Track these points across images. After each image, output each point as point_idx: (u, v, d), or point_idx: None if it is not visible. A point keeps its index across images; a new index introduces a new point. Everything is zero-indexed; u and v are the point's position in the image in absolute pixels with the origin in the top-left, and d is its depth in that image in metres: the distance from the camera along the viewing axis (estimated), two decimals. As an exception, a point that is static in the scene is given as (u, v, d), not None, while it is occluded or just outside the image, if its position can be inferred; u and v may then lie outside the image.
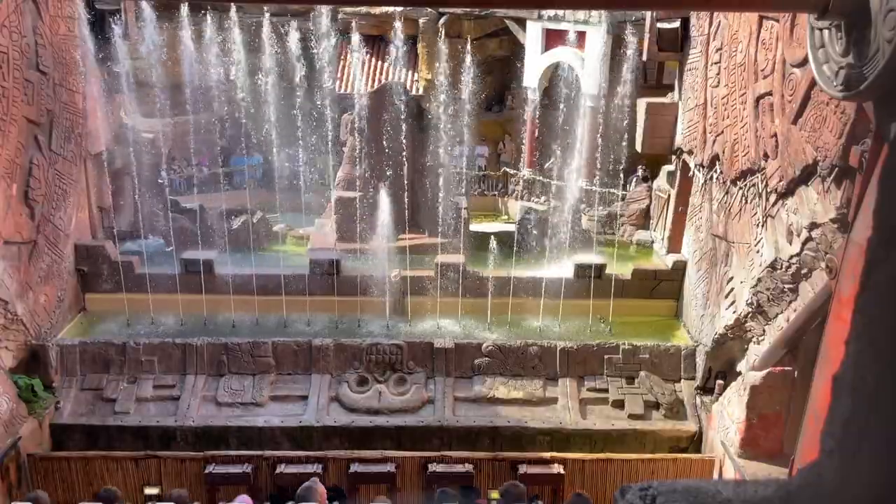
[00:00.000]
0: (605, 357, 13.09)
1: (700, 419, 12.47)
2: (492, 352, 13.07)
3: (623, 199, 18.39)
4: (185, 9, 15.58)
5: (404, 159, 16.29)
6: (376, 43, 22.41)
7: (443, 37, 17.84)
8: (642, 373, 12.96)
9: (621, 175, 17.75)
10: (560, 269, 15.06)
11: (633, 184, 18.70)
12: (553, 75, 20.31)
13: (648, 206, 17.79)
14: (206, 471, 11.54)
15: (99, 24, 15.16)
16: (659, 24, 14.79)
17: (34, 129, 12.26)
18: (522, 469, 11.65)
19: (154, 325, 14.27)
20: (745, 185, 11.24)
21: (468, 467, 11.63)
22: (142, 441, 12.22)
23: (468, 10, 17.41)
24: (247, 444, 12.14)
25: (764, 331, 10.99)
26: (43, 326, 12.79)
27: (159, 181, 17.58)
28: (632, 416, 12.53)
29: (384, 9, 21.00)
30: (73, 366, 12.77)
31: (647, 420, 12.53)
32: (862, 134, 7.53)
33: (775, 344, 10.61)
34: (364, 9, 20.79)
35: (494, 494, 11.40)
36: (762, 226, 10.49)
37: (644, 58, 15.74)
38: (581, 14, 19.06)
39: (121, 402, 12.50)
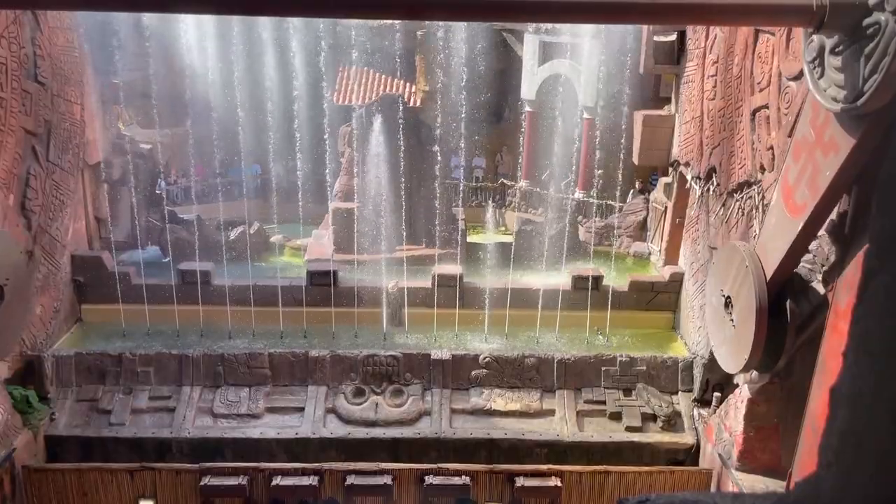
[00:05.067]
0: (603, 369, 13.07)
1: (697, 431, 12.43)
2: (489, 363, 13.05)
3: (620, 210, 18.43)
4: (184, 20, 15.66)
5: (402, 171, 16.31)
6: (375, 55, 22.49)
7: (441, 49, 17.92)
8: (639, 385, 12.94)
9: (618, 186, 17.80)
10: (557, 280, 15.07)
11: (630, 195, 18.75)
12: (550, 88, 20.39)
13: (645, 218, 17.83)
14: (202, 483, 11.49)
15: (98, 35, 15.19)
16: (655, 38, 14.88)
17: (32, 139, 12.26)
18: (519, 482, 11.60)
19: (150, 335, 14.22)
20: (742, 197, 11.26)
21: (465, 480, 11.59)
22: (137, 453, 12.14)
23: (463, 22, 17.49)
24: (243, 456, 12.07)
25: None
26: (38, 337, 12.74)
27: (157, 192, 17.60)
28: (629, 429, 12.50)
29: (383, 21, 21.11)
30: (69, 376, 12.71)
31: (645, 432, 12.50)
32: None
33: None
34: (362, 21, 20.88)
35: None
36: (759, 238, 10.50)
37: (641, 71, 15.83)
38: (578, 27, 19.17)
39: (116, 413, 12.43)
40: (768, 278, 8.64)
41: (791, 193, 7.92)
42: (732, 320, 9.41)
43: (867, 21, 5.29)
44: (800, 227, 7.82)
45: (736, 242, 9.92)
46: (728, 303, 9.53)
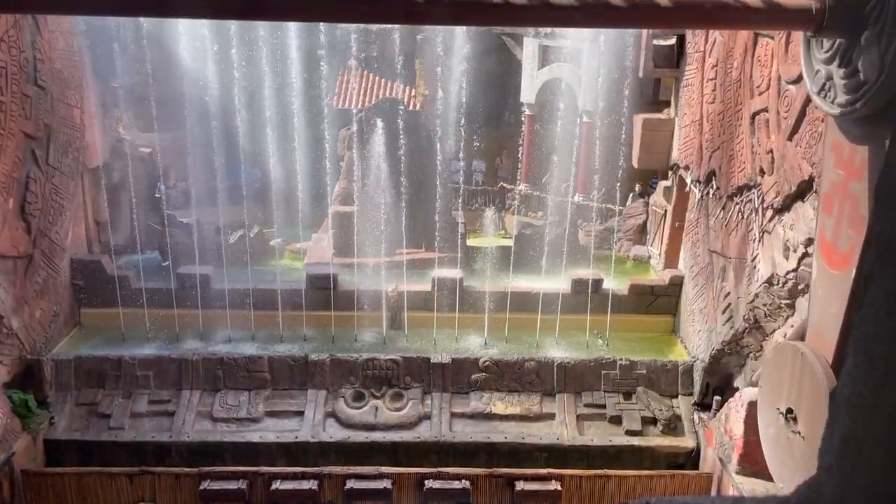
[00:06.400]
0: (603, 372, 13.05)
1: (698, 435, 12.42)
2: (489, 367, 13.03)
3: (620, 214, 18.43)
4: (183, 24, 15.66)
5: (401, 174, 16.32)
6: (375, 58, 22.50)
7: (440, 53, 17.94)
8: (639, 388, 12.92)
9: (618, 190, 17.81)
10: (557, 283, 15.06)
11: (630, 199, 18.75)
12: (550, 91, 20.40)
13: (645, 222, 17.82)
14: (201, 487, 11.47)
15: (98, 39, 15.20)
16: (655, 41, 14.91)
17: (31, 143, 12.27)
18: (519, 486, 11.58)
19: (150, 339, 14.21)
20: (742, 200, 11.27)
21: (465, 484, 11.57)
22: (136, 457, 12.13)
23: (460, 26, 17.52)
24: (242, 460, 12.05)
25: (761, 346, 10.98)
26: (38, 341, 12.73)
27: (156, 195, 17.58)
28: (629, 432, 12.48)
29: (382, 25, 21.12)
30: (68, 380, 12.69)
31: (645, 436, 12.48)
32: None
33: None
34: (362, 25, 20.90)
35: None
36: (759, 241, 10.51)
37: (640, 74, 15.84)
38: (578, 31, 19.17)
39: (115, 417, 12.42)
40: (831, 362, 7.09)
41: (832, 248, 6.92)
42: (799, 433, 7.64)
43: (868, 8, 5.25)
44: (853, 276, 6.67)
45: (782, 342, 8.77)
46: (789, 417, 7.82)
